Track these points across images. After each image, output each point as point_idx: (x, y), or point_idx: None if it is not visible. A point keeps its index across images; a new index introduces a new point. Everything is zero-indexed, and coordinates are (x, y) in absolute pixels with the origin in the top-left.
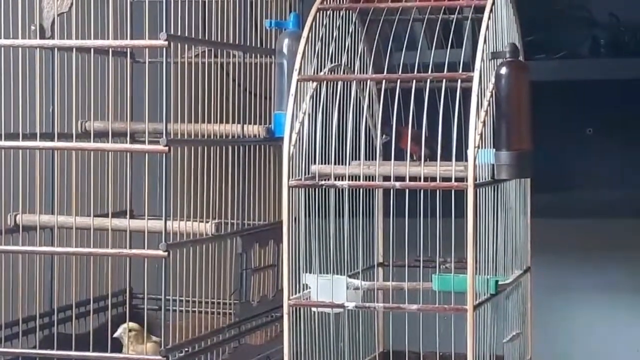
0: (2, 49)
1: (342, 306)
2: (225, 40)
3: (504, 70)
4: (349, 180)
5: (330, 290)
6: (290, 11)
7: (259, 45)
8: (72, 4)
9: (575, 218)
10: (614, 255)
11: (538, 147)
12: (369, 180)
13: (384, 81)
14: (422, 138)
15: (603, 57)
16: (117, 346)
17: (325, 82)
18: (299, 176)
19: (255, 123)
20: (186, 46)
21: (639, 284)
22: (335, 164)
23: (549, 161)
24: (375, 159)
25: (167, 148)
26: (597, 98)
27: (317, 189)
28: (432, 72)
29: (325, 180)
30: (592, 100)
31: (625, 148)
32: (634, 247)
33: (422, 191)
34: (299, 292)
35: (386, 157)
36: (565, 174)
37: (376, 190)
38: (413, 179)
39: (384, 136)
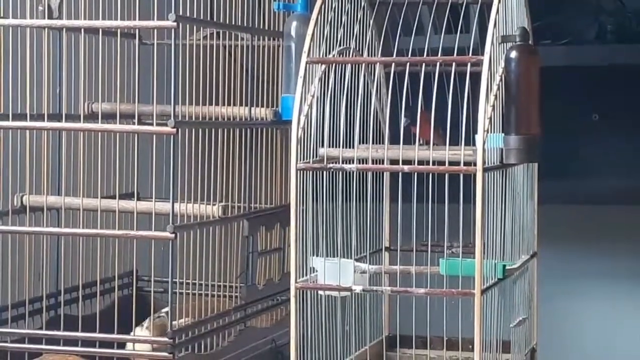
0: (10, 29)
1: (349, 289)
2: (233, 23)
3: (514, 54)
4: (357, 163)
5: (337, 273)
6: None
7: (266, 28)
8: None
9: (580, 204)
10: (620, 241)
11: (544, 133)
12: (377, 164)
13: (392, 65)
14: (431, 122)
15: (609, 43)
16: (123, 328)
17: (333, 65)
18: (307, 159)
19: (262, 106)
20: (194, 28)
21: None
22: (343, 147)
23: (555, 147)
24: (384, 143)
25: (174, 129)
26: (603, 84)
27: (324, 173)
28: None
29: (333, 163)
30: (598, 87)
31: (631, 134)
32: None
33: (430, 175)
34: (306, 275)
35: (395, 141)
36: (571, 160)
37: (384, 174)
38: (421, 162)
39: (404, 119)
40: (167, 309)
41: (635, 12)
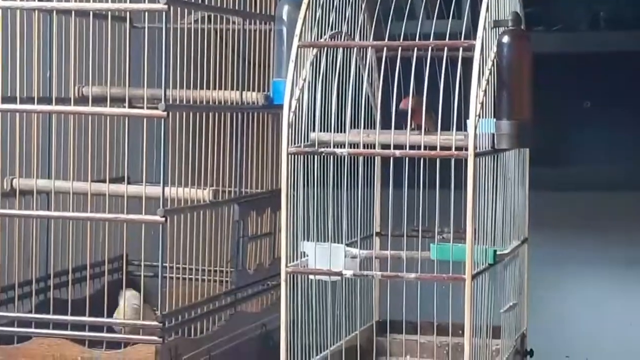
0: (0, 10)
1: (339, 274)
2: (224, 6)
3: (506, 39)
4: (348, 148)
5: (328, 258)
6: None
7: (258, 12)
8: None
9: (571, 190)
10: (611, 227)
11: (536, 120)
12: (369, 148)
13: (384, 49)
14: (423, 107)
15: (601, 30)
16: (113, 312)
17: (325, 49)
18: (298, 143)
19: (253, 90)
20: (186, 11)
21: (633, 256)
22: (334, 131)
23: (546, 134)
24: (375, 128)
25: (165, 113)
26: (596, 71)
27: (316, 157)
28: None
29: (324, 147)
30: (590, 73)
31: (623, 122)
32: (630, 220)
33: (421, 160)
34: (297, 259)
35: (386, 125)
36: (562, 146)
37: (375, 158)
38: (412, 147)
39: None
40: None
41: None
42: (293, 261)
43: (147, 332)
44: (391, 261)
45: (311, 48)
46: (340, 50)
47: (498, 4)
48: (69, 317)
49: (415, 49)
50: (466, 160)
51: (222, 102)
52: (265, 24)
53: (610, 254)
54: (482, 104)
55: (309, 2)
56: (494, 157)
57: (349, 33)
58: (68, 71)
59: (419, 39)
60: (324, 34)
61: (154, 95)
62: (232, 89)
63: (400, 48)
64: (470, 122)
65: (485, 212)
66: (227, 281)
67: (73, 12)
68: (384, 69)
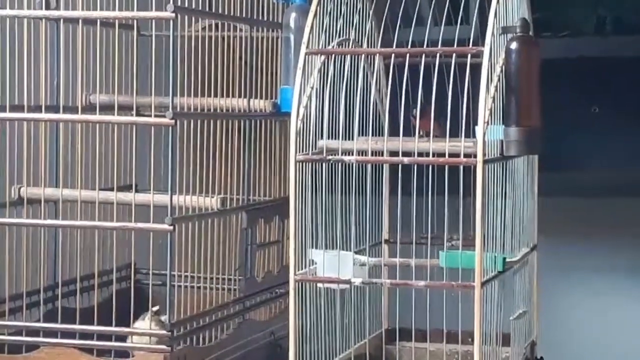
0: (7, 19)
1: (348, 282)
2: (232, 14)
3: (514, 46)
4: (356, 155)
5: (336, 266)
6: None
7: (265, 19)
8: None
9: (580, 196)
10: (621, 233)
11: (543, 126)
12: (377, 156)
13: (392, 56)
14: (431, 114)
15: (609, 35)
16: (121, 320)
17: (333, 56)
18: (306, 151)
19: (261, 97)
20: (193, 19)
21: None
22: (342, 139)
23: (554, 140)
24: (383, 135)
25: (173, 121)
26: (603, 76)
27: (324, 165)
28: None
29: (332, 155)
30: (598, 79)
31: (631, 127)
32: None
33: (429, 167)
34: (305, 267)
35: (395, 132)
36: (571, 152)
37: (383, 166)
38: (421, 154)
39: (413, 112)
40: (155, 307)
41: (634, 4)
42: (301, 269)
43: (155, 340)
44: (400, 269)
45: (319, 55)
46: (348, 57)
47: (506, 10)
48: (77, 326)
49: (424, 55)
50: (475, 167)
51: (230, 110)
52: (273, 31)
53: (619, 261)
54: (490, 110)
55: (316, 9)
56: (502, 163)
57: (357, 40)
58: (75, 79)
59: (427, 46)
60: (332, 41)
61: (161, 103)
62: (239, 96)
63: (408, 55)
64: (479, 129)
65: (494, 219)
66: (235, 289)
67: (80, 21)
68: (392, 76)
